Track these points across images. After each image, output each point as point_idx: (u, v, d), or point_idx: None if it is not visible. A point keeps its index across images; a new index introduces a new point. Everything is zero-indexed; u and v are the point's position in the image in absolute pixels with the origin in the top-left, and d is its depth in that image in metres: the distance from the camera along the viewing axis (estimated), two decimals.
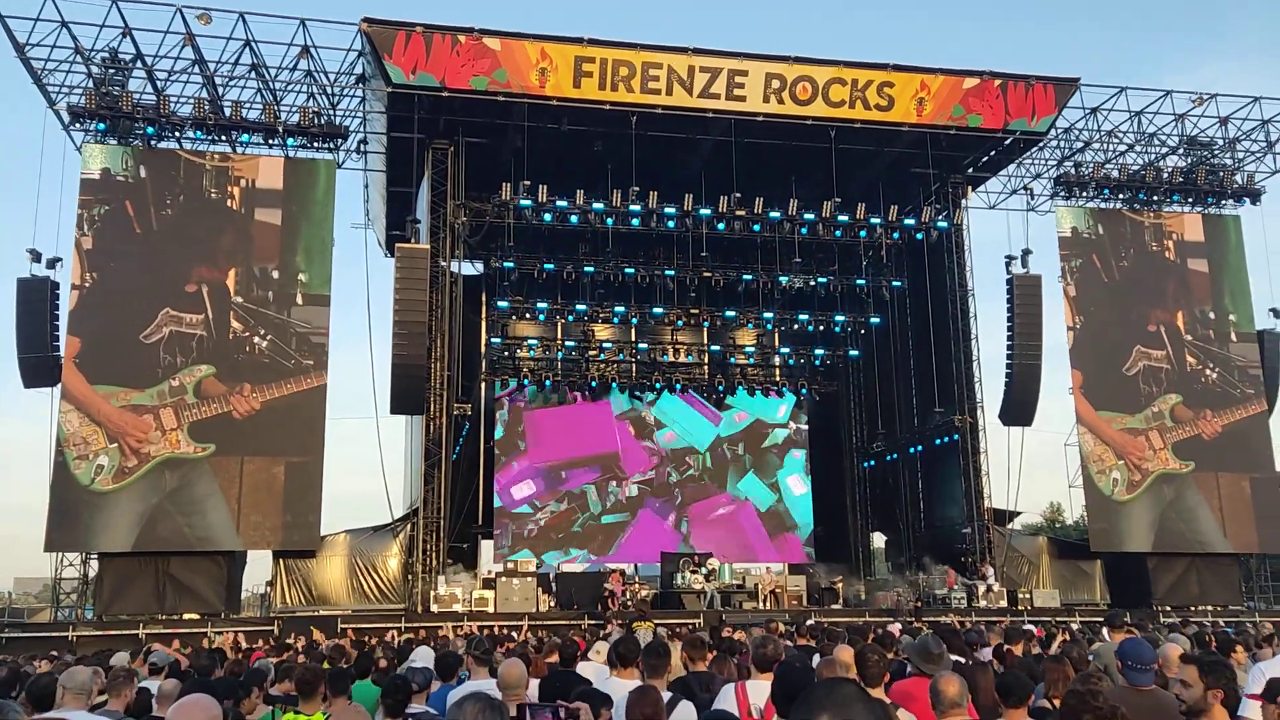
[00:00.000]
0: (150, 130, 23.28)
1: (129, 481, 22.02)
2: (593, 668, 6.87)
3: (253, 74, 23.51)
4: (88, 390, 22.32)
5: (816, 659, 6.49)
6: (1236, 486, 26.84)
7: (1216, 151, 28.52)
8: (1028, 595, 24.31)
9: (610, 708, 4.73)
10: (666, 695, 5.27)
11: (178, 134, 23.76)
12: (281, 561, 23.35)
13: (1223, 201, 28.81)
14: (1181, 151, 28.53)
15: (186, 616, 21.65)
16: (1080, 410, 26.66)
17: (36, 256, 23.01)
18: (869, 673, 5.01)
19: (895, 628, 12.69)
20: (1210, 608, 25.25)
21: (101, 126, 23.08)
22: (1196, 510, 26.48)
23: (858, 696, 2.18)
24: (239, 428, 22.76)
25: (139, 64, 23.14)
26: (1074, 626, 15.60)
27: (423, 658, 8.88)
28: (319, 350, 23.69)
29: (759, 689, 5.06)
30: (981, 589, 23.97)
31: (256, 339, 23.42)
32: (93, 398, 22.34)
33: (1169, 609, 24.15)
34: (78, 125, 23.26)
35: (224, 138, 24.01)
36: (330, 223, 24.47)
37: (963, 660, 6.88)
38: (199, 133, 23.70)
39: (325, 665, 7.72)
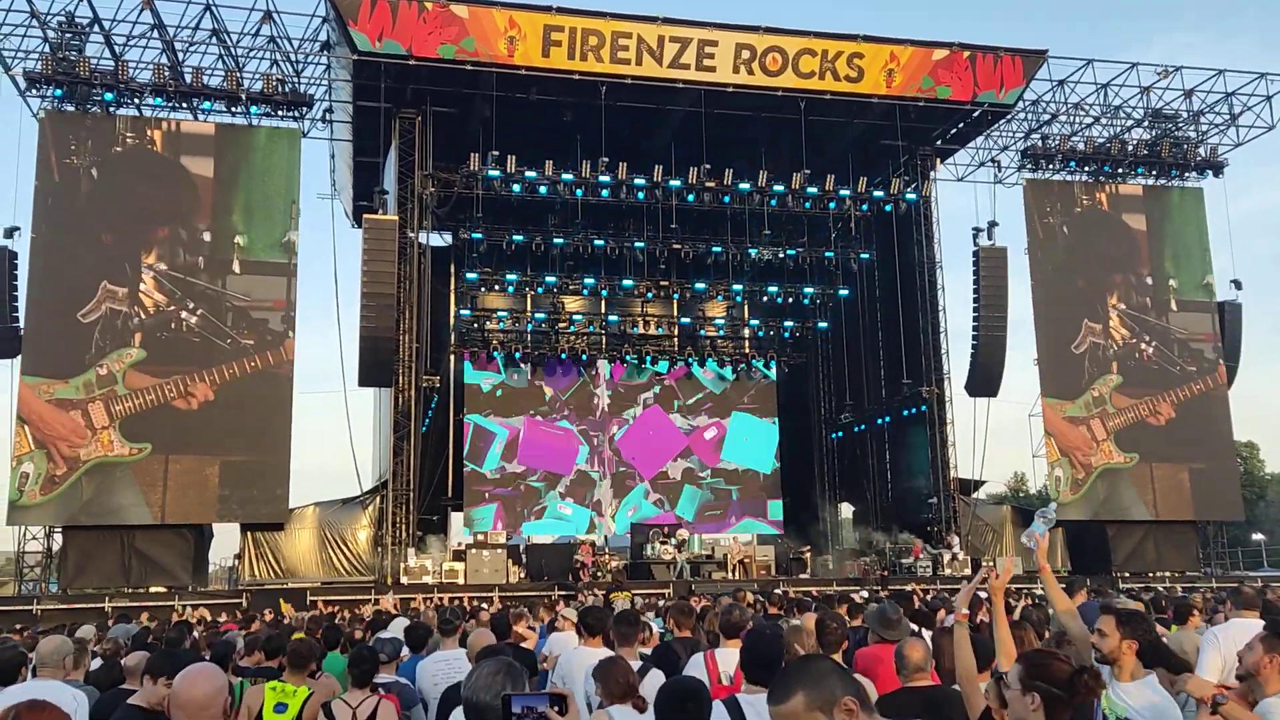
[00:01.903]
0: (109, 97, 22.80)
1: (56, 495, 20.93)
2: (563, 638, 6.92)
3: (214, 40, 23.06)
4: (19, 385, 21.07)
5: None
6: (1175, 479, 26.81)
7: (1181, 124, 28.80)
8: (992, 563, 24.64)
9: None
10: (636, 664, 5.31)
11: (137, 100, 23.29)
12: (249, 535, 23.23)
13: (1186, 174, 29.12)
14: (1146, 124, 28.80)
15: (153, 590, 21.50)
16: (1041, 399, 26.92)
17: None
18: (828, 640, 5.09)
19: (861, 596, 12.86)
20: (1168, 574, 25.82)
21: (59, 93, 22.56)
22: (1130, 509, 26.48)
23: (832, 670, 2.23)
24: (181, 422, 21.82)
25: (97, 29, 22.61)
26: (1037, 593, 15.87)
27: (399, 629, 8.90)
28: (260, 327, 22.75)
29: (728, 656, 5.11)
30: (947, 557, 24.34)
31: (184, 314, 22.23)
32: (24, 394, 20.96)
33: (1127, 575, 24.70)
34: (34, 91, 22.73)
35: (185, 105, 23.57)
36: (282, 181, 23.51)
37: (917, 627, 7.00)
38: (159, 99, 23.24)
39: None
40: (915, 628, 7.09)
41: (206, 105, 23.60)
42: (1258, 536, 37.36)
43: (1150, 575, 25.41)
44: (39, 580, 23.12)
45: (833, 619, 5.30)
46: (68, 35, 22.45)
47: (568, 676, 5.58)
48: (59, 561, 22.20)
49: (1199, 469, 27.25)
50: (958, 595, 4.49)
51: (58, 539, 22.39)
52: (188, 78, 23.24)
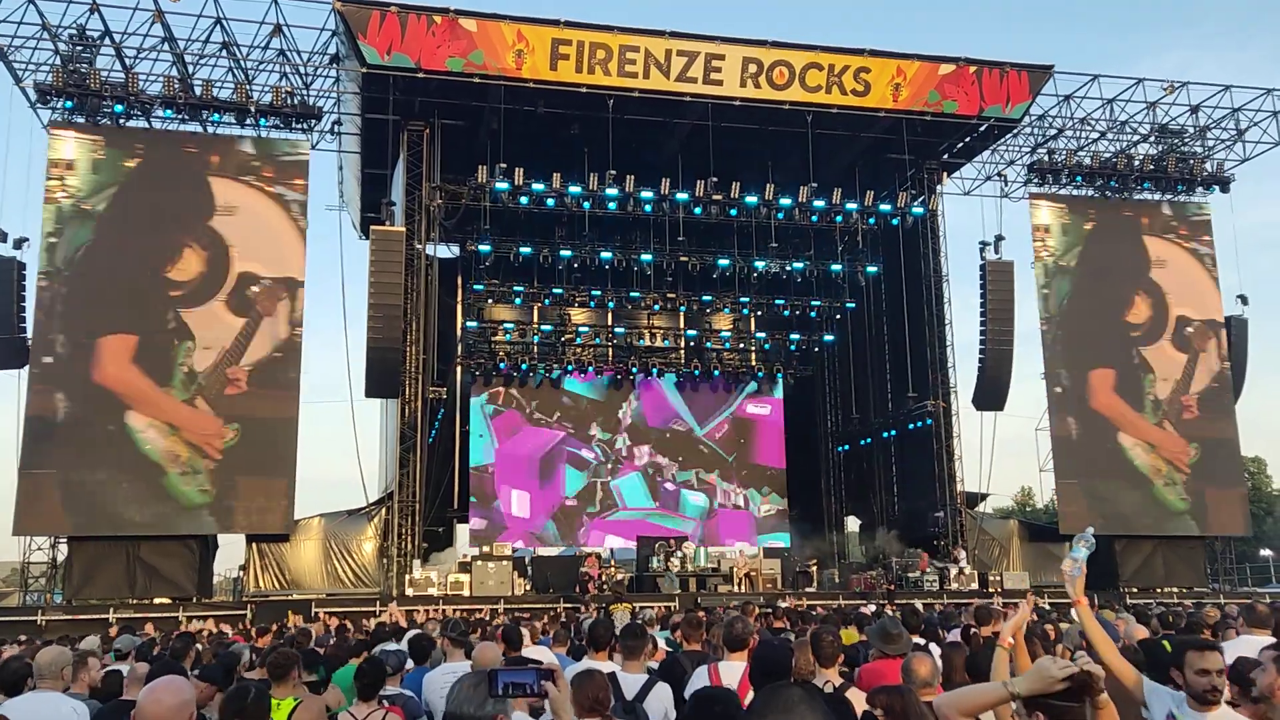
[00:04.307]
0: (119, 109, 22.90)
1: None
2: (540, 651, 6.90)
3: (224, 53, 23.19)
4: (156, 394, 22.01)
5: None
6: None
7: (1187, 140, 28.78)
8: (998, 578, 24.59)
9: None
10: (644, 677, 5.29)
11: (147, 113, 23.41)
12: (255, 545, 23.21)
13: (1193, 189, 29.07)
14: (1153, 139, 28.77)
15: (158, 601, 21.49)
16: (1115, 414, 26.83)
17: (2, 236, 22.66)
18: (823, 653, 5.08)
19: (869, 610, 12.81)
20: (1176, 590, 25.66)
21: (69, 105, 22.67)
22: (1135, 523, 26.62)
23: (802, 699, 2.21)
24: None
25: (107, 41, 22.74)
26: (1044, 607, 15.79)
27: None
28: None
29: (731, 669, 5.09)
30: (954, 572, 24.23)
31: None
32: (162, 401, 21.96)
33: (1135, 590, 24.56)
34: (44, 103, 22.85)
35: (194, 117, 23.68)
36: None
37: (922, 641, 6.97)
38: (169, 111, 23.34)
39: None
40: (923, 641, 7.07)
41: (215, 117, 23.71)
42: (1265, 553, 37.20)
43: (1158, 591, 25.24)
44: (44, 591, 23.12)
45: (827, 632, 5.28)
46: (79, 48, 22.59)
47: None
48: (64, 572, 22.20)
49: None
50: (1005, 627, 4.41)
51: (63, 549, 22.40)
52: (197, 90, 23.36)
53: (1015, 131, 27.35)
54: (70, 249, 22.40)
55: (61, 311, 22.14)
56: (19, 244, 22.82)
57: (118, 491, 21.57)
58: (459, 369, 28.82)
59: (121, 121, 23.26)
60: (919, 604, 17.00)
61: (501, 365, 28.97)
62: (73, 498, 21.35)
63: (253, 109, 23.42)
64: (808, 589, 23.98)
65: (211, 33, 22.56)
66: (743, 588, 23.29)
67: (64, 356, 21.96)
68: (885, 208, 26.80)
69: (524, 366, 29.15)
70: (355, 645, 8.28)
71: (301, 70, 23.85)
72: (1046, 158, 28.27)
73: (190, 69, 23.51)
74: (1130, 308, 27.80)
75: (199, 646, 9.87)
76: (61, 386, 21.81)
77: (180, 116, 23.56)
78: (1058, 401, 26.87)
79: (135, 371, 22.09)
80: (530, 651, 7.00)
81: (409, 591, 21.74)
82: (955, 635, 8.14)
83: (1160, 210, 28.89)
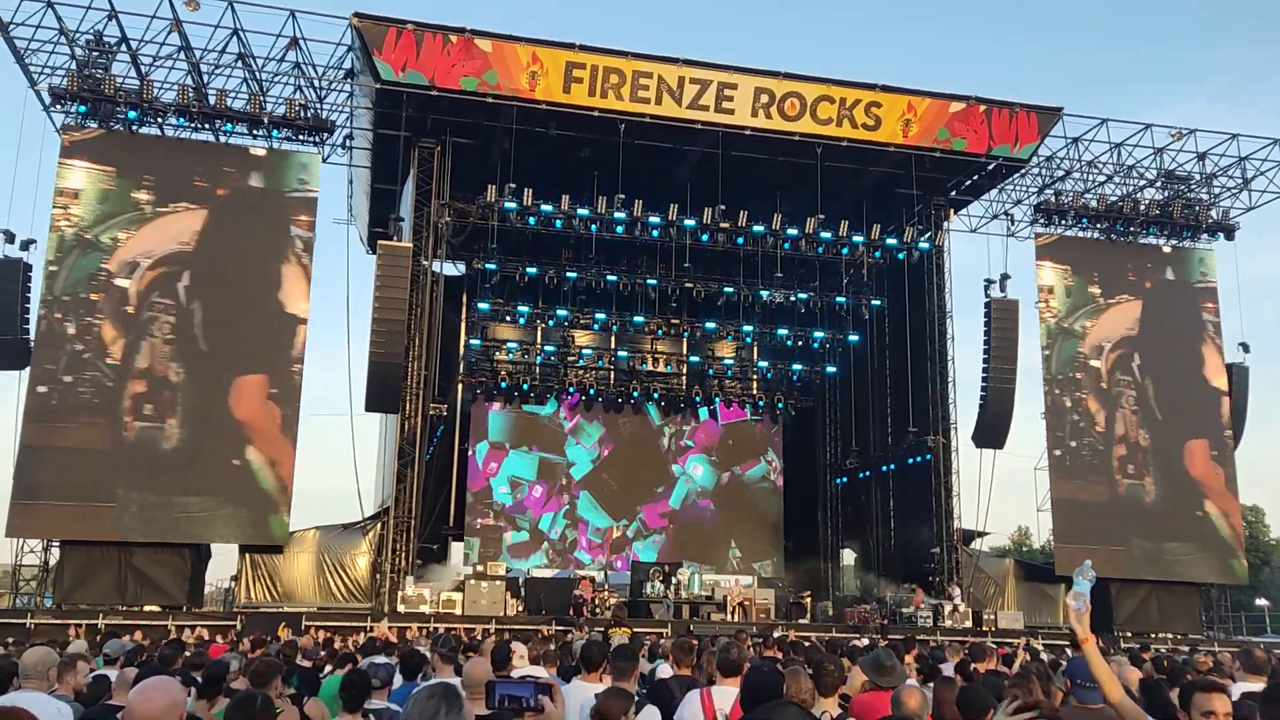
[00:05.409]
0: (132, 115, 23.04)
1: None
2: (535, 671, 6.85)
3: (239, 63, 23.35)
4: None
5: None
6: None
7: (1193, 186, 28.90)
8: (993, 616, 24.47)
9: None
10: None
11: (160, 120, 23.55)
12: (248, 556, 23.10)
13: (1198, 235, 29.17)
14: (1159, 184, 28.89)
15: (147, 608, 21.38)
16: (1209, 482, 27.30)
17: (10, 238, 22.75)
18: (824, 682, 5.05)
19: (862, 644, 12.73)
20: (1170, 635, 25.50)
21: (83, 109, 22.81)
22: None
23: (798, 717, 2.20)
24: None
25: (124, 47, 22.92)
26: (1037, 647, 15.69)
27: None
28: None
29: (724, 694, 5.06)
30: (948, 608, 24.09)
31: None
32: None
33: (1129, 635, 24.40)
34: (58, 107, 23.00)
35: (207, 125, 23.81)
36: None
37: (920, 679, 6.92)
38: (181, 119, 23.48)
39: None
40: (914, 682, 7.01)
41: (228, 127, 23.86)
42: (1261, 601, 36.95)
43: (1152, 636, 25.08)
44: (34, 594, 23.00)
45: (831, 661, 5.25)
46: (95, 54, 22.76)
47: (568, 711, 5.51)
48: (55, 576, 22.11)
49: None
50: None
51: (54, 553, 22.32)
52: (211, 99, 23.51)
53: (1023, 171, 27.48)
54: (70, 278, 22.38)
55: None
56: (26, 245, 22.90)
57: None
58: (460, 387, 28.82)
59: (134, 128, 23.37)
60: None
61: (503, 384, 28.97)
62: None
63: (265, 120, 23.57)
64: (801, 620, 23.85)
65: (228, 43, 22.73)
66: (736, 617, 23.17)
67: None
68: (891, 242, 26.87)
69: (525, 386, 29.14)
70: (341, 656, 8.22)
71: (316, 84, 24.02)
72: (1053, 198, 28.37)
73: (205, 78, 23.67)
74: (1132, 351, 27.88)
75: (187, 654, 9.82)
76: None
77: (193, 125, 23.69)
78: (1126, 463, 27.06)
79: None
80: (537, 670, 6.94)
81: (401, 608, 21.63)
82: (948, 669, 8.09)
83: (1165, 254, 28.95)
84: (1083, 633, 4.46)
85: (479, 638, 13.51)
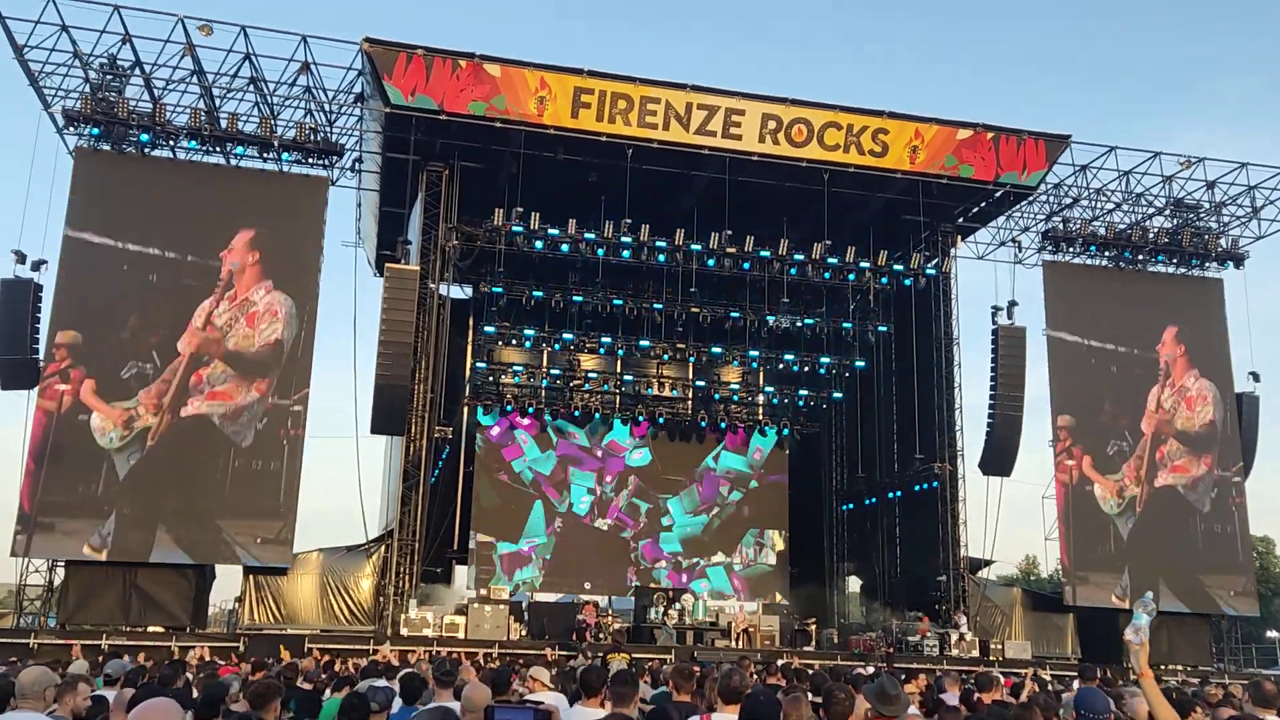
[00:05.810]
0: (144, 138, 23.24)
1: None
2: (554, 697, 6.80)
3: (251, 87, 23.56)
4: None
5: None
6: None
7: (1202, 215, 28.87)
8: (1000, 646, 24.26)
9: None
10: None
11: (172, 143, 23.74)
12: (252, 578, 23.05)
13: (1207, 264, 29.11)
14: (1168, 213, 28.87)
15: (151, 629, 21.32)
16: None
17: (21, 258, 22.85)
18: (834, 711, 4.99)
19: (867, 671, 12.61)
20: (1180, 667, 25.21)
21: (95, 131, 23.04)
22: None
23: None
24: None
25: (137, 71, 23.16)
26: (1044, 678, 15.53)
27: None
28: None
29: None
30: (954, 637, 23.89)
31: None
32: None
33: None
34: (72, 129, 23.21)
35: (218, 149, 24.00)
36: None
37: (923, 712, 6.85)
38: (193, 143, 23.68)
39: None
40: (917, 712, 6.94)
41: (239, 150, 24.03)
42: (1272, 634, 36.61)
43: (1162, 667, 24.80)
44: (38, 614, 22.97)
45: (841, 689, 5.19)
46: (109, 76, 22.98)
47: None
48: (59, 596, 22.07)
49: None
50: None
51: (59, 573, 22.30)
52: (223, 123, 23.70)
53: (1031, 199, 27.48)
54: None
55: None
56: (37, 266, 23.02)
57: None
58: (466, 409, 28.81)
59: (146, 150, 23.55)
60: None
61: (509, 408, 28.96)
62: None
63: (276, 143, 23.74)
64: (806, 647, 23.69)
65: (240, 68, 22.95)
66: (740, 643, 23.02)
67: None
68: (899, 268, 26.87)
69: (531, 409, 29.13)
70: (341, 678, 8.17)
71: (326, 107, 24.21)
72: (1061, 225, 28.37)
73: (217, 102, 23.88)
74: (1142, 380, 27.78)
75: (188, 675, 9.77)
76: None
77: (204, 148, 23.88)
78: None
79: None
80: (546, 696, 6.86)
81: (404, 631, 21.54)
82: (952, 699, 8.01)
83: (1173, 283, 28.89)
84: (1141, 667, 4.22)
85: (482, 662, 13.42)
